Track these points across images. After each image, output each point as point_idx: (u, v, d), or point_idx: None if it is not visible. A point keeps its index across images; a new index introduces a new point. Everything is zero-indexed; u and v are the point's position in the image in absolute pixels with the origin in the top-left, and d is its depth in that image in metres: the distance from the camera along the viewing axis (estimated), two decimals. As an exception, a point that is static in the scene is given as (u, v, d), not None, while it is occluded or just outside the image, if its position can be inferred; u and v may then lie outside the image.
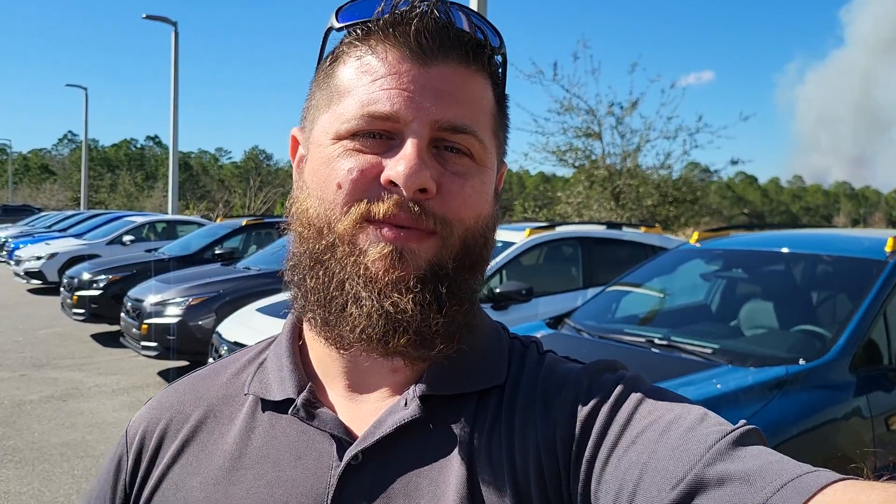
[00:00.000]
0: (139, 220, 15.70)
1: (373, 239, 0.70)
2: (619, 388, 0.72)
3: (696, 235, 4.63)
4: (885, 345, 3.25)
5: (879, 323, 3.27)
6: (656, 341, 3.55)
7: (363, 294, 0.70)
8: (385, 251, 0.69)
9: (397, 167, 0.69)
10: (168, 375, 7.86)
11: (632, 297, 4.60)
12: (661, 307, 4.50)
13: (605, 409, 0.70)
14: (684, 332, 3.81)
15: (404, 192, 0.69)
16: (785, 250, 3.96)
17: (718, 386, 2.89)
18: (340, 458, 0.72)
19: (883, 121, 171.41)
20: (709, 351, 3.33)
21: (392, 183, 0.69)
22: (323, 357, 0.80)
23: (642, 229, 7.09)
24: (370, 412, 0.76)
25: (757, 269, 4.19)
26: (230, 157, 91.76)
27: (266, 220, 11.01)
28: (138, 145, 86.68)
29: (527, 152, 15.55)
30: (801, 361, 3.06)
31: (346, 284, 0.71)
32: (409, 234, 0.70)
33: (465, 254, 0.73)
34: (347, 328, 0.71)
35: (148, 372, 8.05)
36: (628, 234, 6.61)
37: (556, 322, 4.28)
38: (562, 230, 6.39)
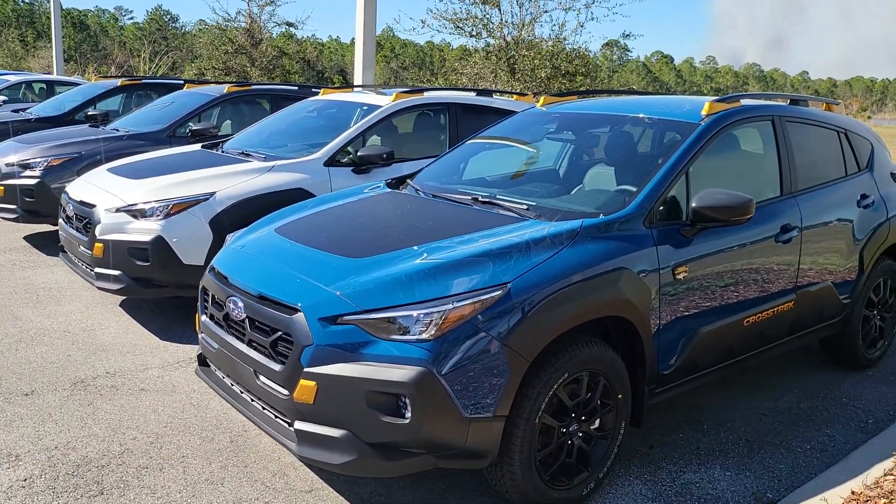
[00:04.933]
0: (13, 78, 14.60)
1: None
2: None
3: (542, 100, 4.67)
4: (684, 202, 3.44)
5: (681, 181, 3.45)
6: (480, 198, 3.66)
7: None
8: None
9: None
10: (35, 241, 7.60)
11: (480, 159, 4.66)
12: (510, 171, 4.59)
13: None
14: (511, 191, 3.93)
15: None
16: (610, 113, 4.06)
17: (513, 237, 3.03)
18: None
19: (801, 3, 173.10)
20: (524, 207, 3.46)
21: None
22: None
23: (514, 97, 7.10)
24: None
25: (584, 131, 4.30)
26: (132, 18, 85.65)
27: (144, 81, 10.37)
28: (26, 0, 79.26)
29: (424, 18, 15.13)
30: (601, 216, 3.23)
31: None
32: None
33: None
34: None
35: (14, 237, 7.76)
36: (498, 101, 6.59)
37: (398, 182, 4.32)
38: (430, 95, 6.32)
